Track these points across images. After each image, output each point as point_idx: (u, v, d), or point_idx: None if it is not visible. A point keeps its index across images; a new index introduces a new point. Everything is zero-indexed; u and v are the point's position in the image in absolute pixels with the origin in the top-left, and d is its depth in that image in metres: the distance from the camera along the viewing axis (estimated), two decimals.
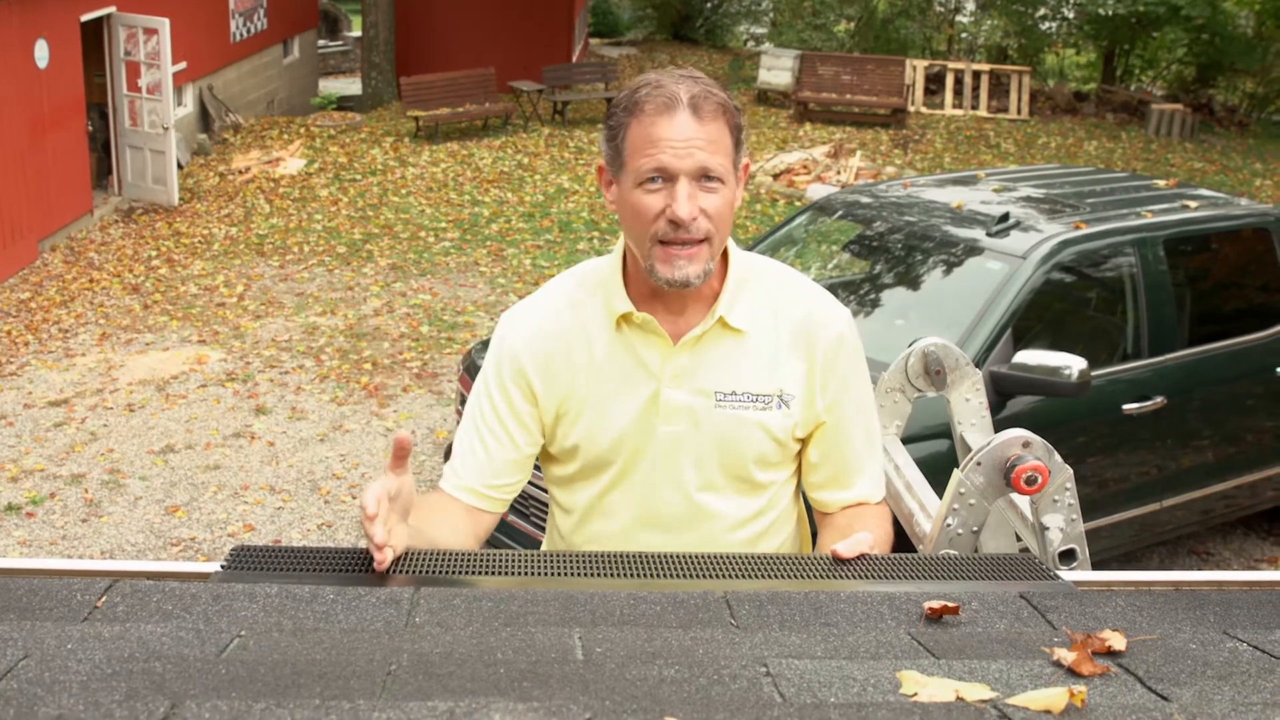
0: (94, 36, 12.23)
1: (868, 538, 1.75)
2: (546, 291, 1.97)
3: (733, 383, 1.86)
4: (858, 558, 1.70)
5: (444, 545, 1.76)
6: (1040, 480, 1.98)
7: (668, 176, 1.73)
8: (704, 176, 1.73)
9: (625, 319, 1.86)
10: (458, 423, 5.15)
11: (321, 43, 22.20)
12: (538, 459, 2.00)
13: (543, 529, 2.85)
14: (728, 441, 1.87)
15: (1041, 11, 22.19)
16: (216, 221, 12.26)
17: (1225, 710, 1.10)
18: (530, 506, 4.48)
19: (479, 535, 1.93)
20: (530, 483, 4.43)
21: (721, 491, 1.91)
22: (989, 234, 4.96)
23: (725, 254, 1.87)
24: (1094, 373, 4.41)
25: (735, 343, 1.86)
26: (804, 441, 1.95)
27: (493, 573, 1.57)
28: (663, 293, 1.84)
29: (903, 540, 2.15)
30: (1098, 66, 22.49)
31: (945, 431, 2.75)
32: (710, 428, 1.86)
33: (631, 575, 1.59)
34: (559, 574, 1.58)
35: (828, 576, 1.63)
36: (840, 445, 1.93)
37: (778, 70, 18.83)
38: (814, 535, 2.10)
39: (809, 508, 2.10)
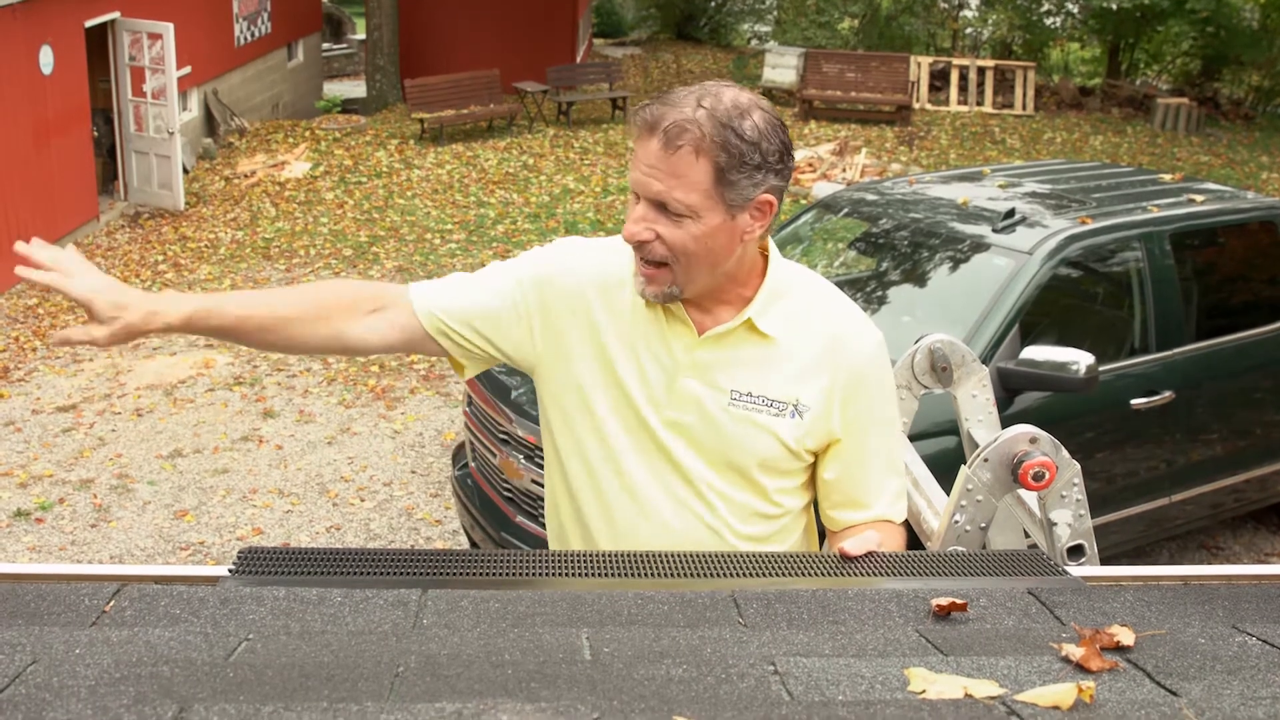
0: (99, 42, 12.26)
1: (875, 536, 1.75)
2: (611, 240, 1.94)
3: (751, 385, 1.84)
4: (865, 555, 1.70)
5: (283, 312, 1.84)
6: (1048, 476, 1.98)
7: (637, 193, 1.76)
8: (662, 207, 1.73)
9: None
10: (465, 425, 5.15)
11: (326, 46, 22.23)
12: (539, 445, 1.98)
13: None
14: (732, 438, 1.86)
15: (1046, 6, 22.16)
16: (222, 225, 12.28)
17: (1234, 705, 1.10)
18: (539, 508, 4.47)
19: (393, 327, 1.89)
20: (534, 481, 4.41)
21: (719, 473, 1.89)
22: (995, 230, 4.95)
23: (766, 260, 1.87)
24: (1101, 368, 4.40)
25: (763, 349, 1.85)
26: (817, 457, 1.92)
27: (500, 574, 1.57)
28: None
29: (910, 537, 2.15)
30: (1103, 61, 22.45)
31: (952, 428, 2.75)
32: (716, 424, 1.85)
33: (638, 575, 1.59)
34: (565, 574, 1.58)
35: (835, 574, 1.63)
36: (857, 468, 1.91)
37: (782, 68, 18.82)
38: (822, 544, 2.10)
39: (819, 524, 2.08)
